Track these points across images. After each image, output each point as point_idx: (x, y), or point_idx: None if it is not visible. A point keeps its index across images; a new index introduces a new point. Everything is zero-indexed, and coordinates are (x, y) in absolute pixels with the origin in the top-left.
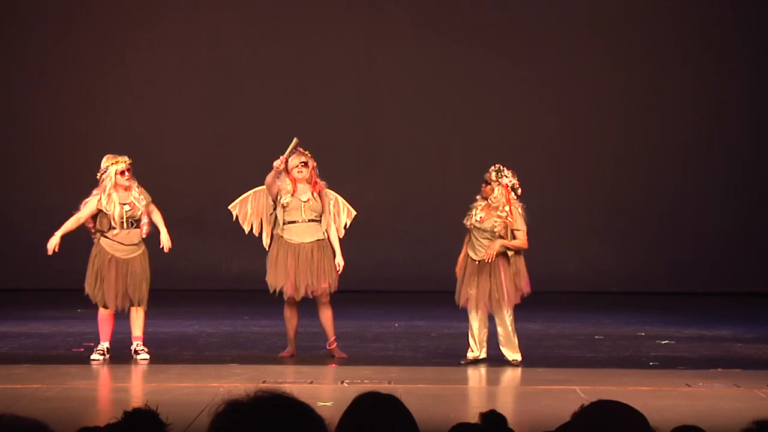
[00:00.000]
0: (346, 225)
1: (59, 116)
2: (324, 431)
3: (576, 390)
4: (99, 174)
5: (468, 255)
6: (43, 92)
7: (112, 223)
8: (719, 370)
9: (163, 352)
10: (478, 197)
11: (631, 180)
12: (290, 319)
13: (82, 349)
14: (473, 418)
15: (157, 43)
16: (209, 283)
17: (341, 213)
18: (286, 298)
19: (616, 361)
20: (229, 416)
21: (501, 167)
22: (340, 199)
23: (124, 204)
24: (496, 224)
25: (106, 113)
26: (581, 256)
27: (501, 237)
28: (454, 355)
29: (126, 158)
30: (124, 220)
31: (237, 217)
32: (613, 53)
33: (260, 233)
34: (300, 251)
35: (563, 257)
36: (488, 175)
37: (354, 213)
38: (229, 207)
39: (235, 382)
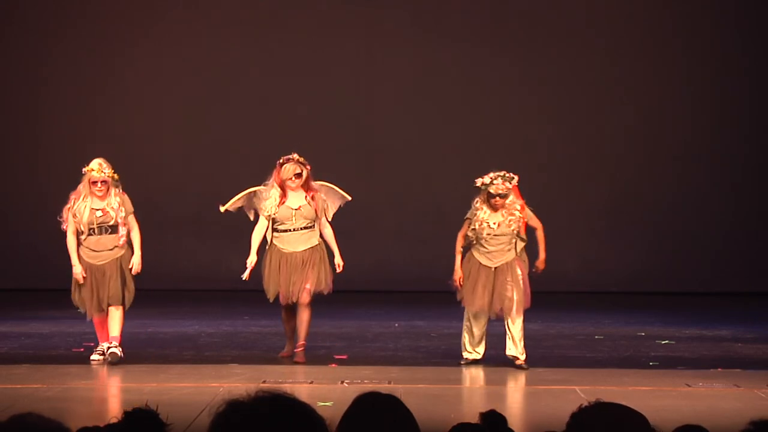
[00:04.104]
0: (340, 207)
1: (59, 116)
2: (324, 431)
3: (576, 390)
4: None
5: (478, 263)
6: (43, 92)
7: (81, 227)
8: (719, 370)
9: (163, 352)
10: (484, 206)
11: (631, 180)
12: (287, 320)
13: (82, 349)
14: (473, 418)
15: (157, 43)
16: (209, 283)
17: (330, 203)
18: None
19: (616, 361)
20: (230, 416)
21: (504, 174)
22: (332, 187)
23: (96, 210)
24: (512, 223)
25: (106, 113)
26: (581, 256)
27: (520, 238)
28: (454, 355)
29: (105, 171)
30: (95, 226)
31: (236, 209)
32: (613, 53)
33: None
34: (291, 260)
35: (563, 257)
36: (496, 188)
37: (348, 198)
38: (221, 209)
39: (235, 382)
